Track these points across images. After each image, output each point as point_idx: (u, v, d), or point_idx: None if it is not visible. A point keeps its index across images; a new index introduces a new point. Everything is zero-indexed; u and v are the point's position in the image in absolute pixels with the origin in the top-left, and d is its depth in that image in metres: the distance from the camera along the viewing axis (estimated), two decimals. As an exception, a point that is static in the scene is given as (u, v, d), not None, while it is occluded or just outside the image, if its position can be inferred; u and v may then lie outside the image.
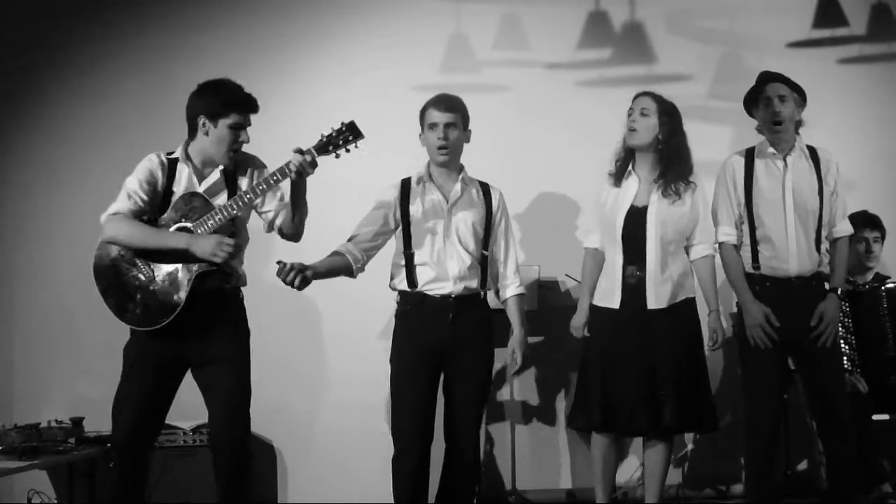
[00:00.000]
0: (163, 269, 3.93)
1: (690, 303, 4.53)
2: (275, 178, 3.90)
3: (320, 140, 3.85)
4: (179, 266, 3.90)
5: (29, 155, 5.71)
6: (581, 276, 4.67)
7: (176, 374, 4.03)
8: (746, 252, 4.44)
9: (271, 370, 5.58)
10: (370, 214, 4.33)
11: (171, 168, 4.03)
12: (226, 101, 3.99)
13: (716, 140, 5.62)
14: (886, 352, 4.81)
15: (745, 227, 4.44)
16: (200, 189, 4.01)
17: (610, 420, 4.43)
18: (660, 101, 4.51)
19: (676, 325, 4.46)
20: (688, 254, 4.56)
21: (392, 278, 4.35)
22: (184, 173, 4.03)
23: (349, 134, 3.85)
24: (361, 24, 5.73)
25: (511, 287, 4.39)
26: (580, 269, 4.69)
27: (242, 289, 4.19)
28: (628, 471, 5.40)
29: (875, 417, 4.92)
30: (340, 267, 4.23)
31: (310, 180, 5.55)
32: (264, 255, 5.48)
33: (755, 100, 4.48)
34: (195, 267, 3.89)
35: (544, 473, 5.58)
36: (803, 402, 5.19)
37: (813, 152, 4.44)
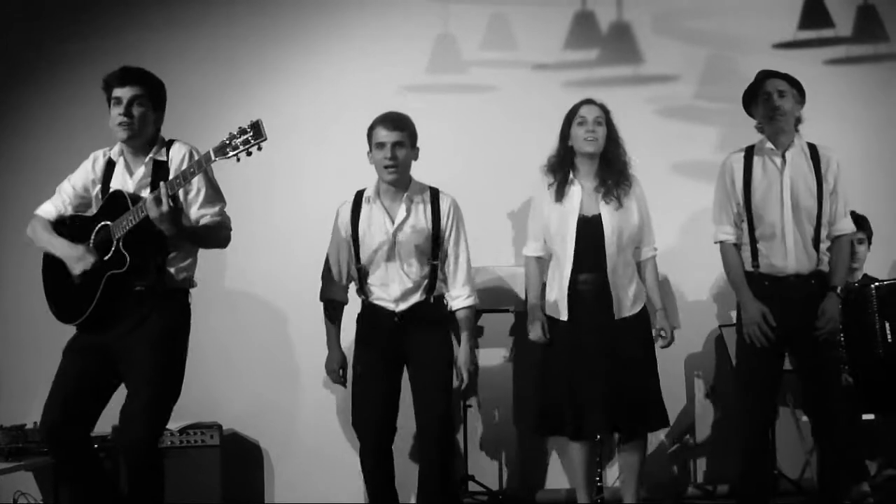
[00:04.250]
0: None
1: (644, 309, 4.57)
2: (166, 188, 3.72)
3: (221, 142, 3.63)
4: (98, 266, 3.89)
5: (19, 155, 5.72)
6: (526, 283, 4.69)
7: (105, 366, 3.93)
8: (746, 251, 4.44)
9: (256, 371, 5.60)
10: (331, 251, 4.49)
11: (109, 164, 4.05)
12: (105, 84, 3.95)
13: (702, 140, 5.64)
14: (875, 349, 4.82)
15: (745, 226, 4.44)
16: (132, 183, 3.98)
17: (583, 427, 4.45)
18: (604, 107, 4.57)
19: (636, 331, 4.50)
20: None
21: (352, 286, 4.52)
22: (118, 170, 4.03)
23: (251, 135, 3.59)
24: (347, 24, 5.73)
25: (459, 299, 4.44)
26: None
27: (192, 291, 4.11)
28: (617, 472, 5.40)
29: (863, 417, 4.93)
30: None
31: (302, 179, 5.62)
32: (246, 258, 5.52)
33: (754, 97, 4.47)
34: (108, 268, 3.87)
35: (532, 474, 5.59)
36: (793, 401, 5.23)
37: (813, 150, 4.42)
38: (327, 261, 4.49)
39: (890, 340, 4.78)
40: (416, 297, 4.37)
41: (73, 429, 3.89)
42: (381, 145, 4.32)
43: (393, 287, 4.36)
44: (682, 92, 5.72)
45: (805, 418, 5.14)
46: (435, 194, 4.45)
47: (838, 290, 4.40)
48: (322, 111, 5.69)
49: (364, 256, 4.38)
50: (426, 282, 4.39)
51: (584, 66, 5.72)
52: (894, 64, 5.77)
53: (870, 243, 5.20)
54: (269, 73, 5.72)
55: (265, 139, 3.59)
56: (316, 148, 5.61)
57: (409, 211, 4.38)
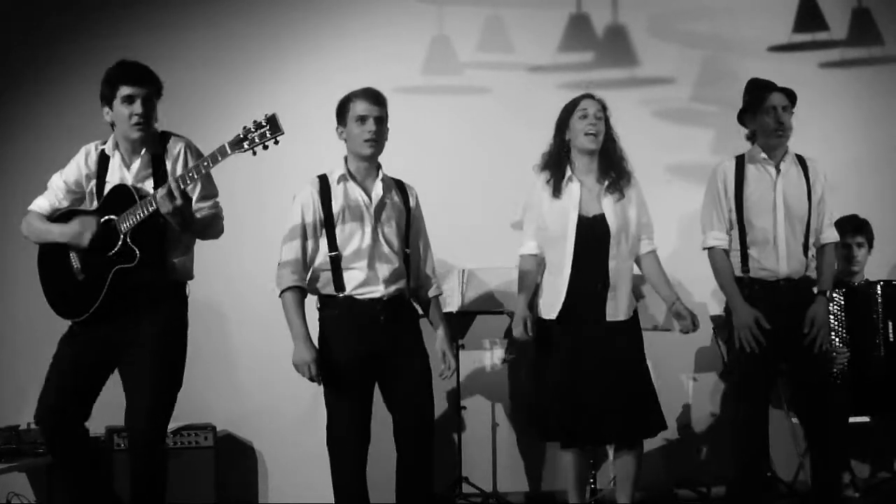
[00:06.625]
0: (89, 262, 3.89)
1: (636, 313, 4.44)
2: (177, 183, 3.69)
3: (236, 136, 3.57)
4: (104, 260, 3.84)
5: (13, 156, 5.71)
6: (519, 282, 4.47)
7: (101, 358, 3.91)
8: (736, 257, 4.46)
9: (250, 372, 5.60)
10: (291, 238, 4.10)
11: (102, 158, 3.99)
12: (112, 79, 3.87)
13: (697, 143, 5.66)
14: (876, 349, 4.84)
15: (735, 233, 4.46)
16: (129, 177, 3.94)
17: (576, 434, 4.33)
18: (603, 103, 4.44)
19: (632, 335, 4.39)
20: None
21: (314, 281, 4.13)
22: (115, 164, 3.98)
23: (268, 129, 3.54)
24: (343, 25, 5.74)
25: (432, 288, 4.29)
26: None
27: (189, 283, 4.07)
28: (609, 474, 5.40)
29: (857, 419, 4.94)
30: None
31: (293, 179, 5.56)
32: (242, 261, 5.51)
33: (757, 107, 4.48)
34: (116, 262, 3.82)
35: (525, 476, 5.59)
36: (786, 404, 5.24)
37: (802, 161, 4.51)
38: (287, 249, 4.08)
39: (891, 339, 4.80)
40: (402, 283, 4.10)
41: (67, 415, 3.87)
42: (362, 118, 4.07)
43: (381, 267, 4.04)
44: (678, 94, 5.75)
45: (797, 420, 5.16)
46: (401, 183, 4.24)
47: (826, 294, 4.45)
48: (317, 111, 5.66)
49: (341, 239, 4.05)
50: (404, 266, 4.14)
51: (579, 68, 5.72)
52: (888, 67, 5.80)
53: (870, 247, 5.21)
54: (264, 73, 5.73)
55: (282, 133, 3.55)
56: (310, 148, 5.60)
57: (385, 190, 4.13)
